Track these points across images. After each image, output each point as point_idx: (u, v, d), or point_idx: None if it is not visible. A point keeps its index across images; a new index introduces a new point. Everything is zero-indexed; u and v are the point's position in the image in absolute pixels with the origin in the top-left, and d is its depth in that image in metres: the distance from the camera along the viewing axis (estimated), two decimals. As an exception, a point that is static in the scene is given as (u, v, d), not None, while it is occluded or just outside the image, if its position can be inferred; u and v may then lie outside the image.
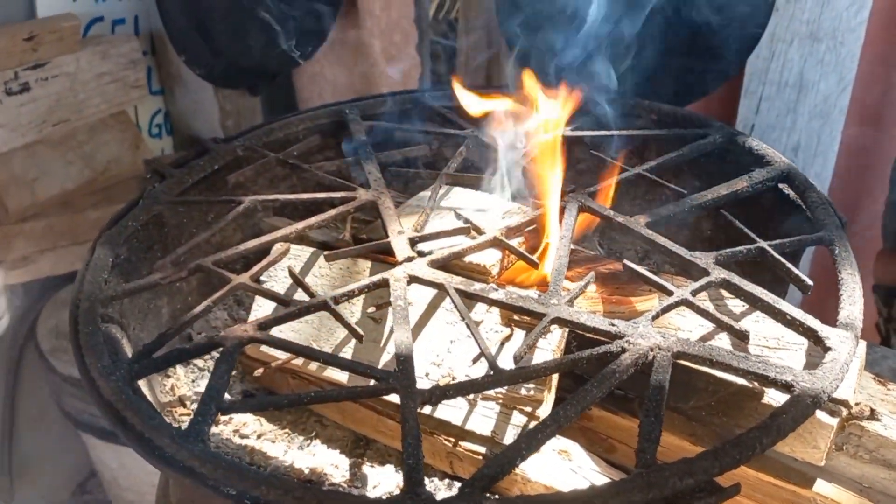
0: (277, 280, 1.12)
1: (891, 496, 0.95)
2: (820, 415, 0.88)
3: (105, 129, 1.89)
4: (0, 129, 1.69)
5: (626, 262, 1.01)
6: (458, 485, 0.97)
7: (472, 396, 0.95)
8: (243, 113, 2.16)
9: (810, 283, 0.98)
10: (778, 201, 1.18)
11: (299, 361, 1.06)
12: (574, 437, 1.00)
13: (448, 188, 1.23)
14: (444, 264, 1.04)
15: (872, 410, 0.96)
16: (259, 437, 1.04)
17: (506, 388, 0.93)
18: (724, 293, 1.03)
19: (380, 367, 1.01)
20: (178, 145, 2.23)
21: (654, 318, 0.92)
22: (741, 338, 0.91)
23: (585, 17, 1.38)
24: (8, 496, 2.09)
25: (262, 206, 1.17)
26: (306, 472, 0.96)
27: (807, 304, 1.23)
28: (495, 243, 1.06)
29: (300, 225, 1.11)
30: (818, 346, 0.90)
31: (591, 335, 0.93)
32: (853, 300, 0.94)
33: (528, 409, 0.95)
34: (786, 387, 0.82)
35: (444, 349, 1.01)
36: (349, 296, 0.99)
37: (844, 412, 0.91)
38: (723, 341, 0.99)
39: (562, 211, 1.12)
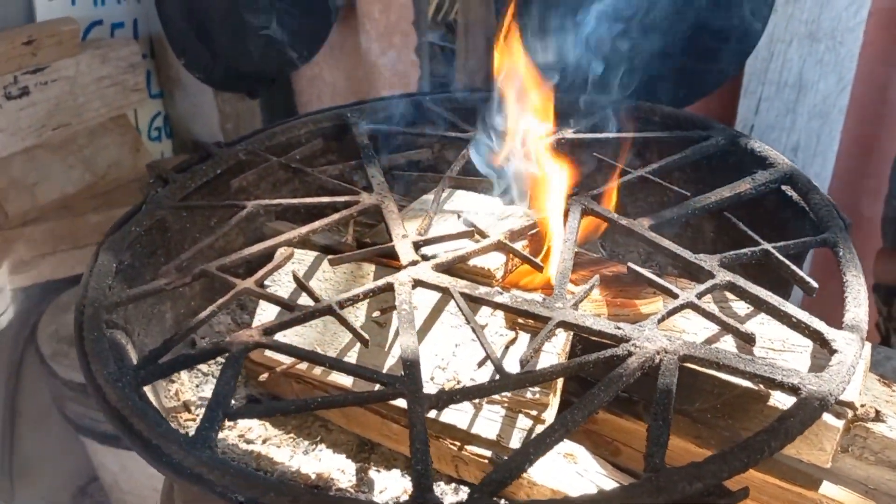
0: (281, 284, 1.12)
1: (896, 498, 0.95)
2: (826, 417, 0.88)
3: (105, 133, 1.89)
4: (0, 133, 1.68)
5: (630, 265, 1.01)
6: (464, 488, 0.97)
7: (477, 400, 0.95)
8: (242, 116, 2.16)
9: (815, 285, 0.98)
10: (781, 203, 1.18)
11: (304, 366, 1.06)
12: (579, 440, 1.00)
13: (451, 191, 1.23)
14: (449, 268, 1.04)
15: (877, 412, 0.96)
16: (264, 441, 1.04)
17: (511, 391, 0.93)
18: (728, 295, 1.04)
19: (385, 371, 1.01)
20: (177, 148, 2.23)
21: (660, 321, 0.92)
22: (747, 340, 0.91)
23: (585, 17, 1.39)
24: (8, 499, 2.09)
25: (265, 210, 1.17)
26: (313, 477, 0.96)
27: (804, 304, 1.23)
28: (499, 247, 1.06)
29: (304, 229, 1.10)
30: (824, 348, 0.90)
31: (596, 338, 0.93)
32: (858, 302, 0.94)
33: (534, 412, 0.95)
34: (793, 389, 0.82)
35: (448, 353, 1.01)
36: (354, 300, 0.99)
37: (850, 414, 0.91)
38: (727, 343, 0.99)
39: (565, 214, 1.12)
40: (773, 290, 0.98)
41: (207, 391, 1.13)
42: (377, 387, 0.97)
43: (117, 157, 1.89)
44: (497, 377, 0.88)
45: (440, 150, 1.39)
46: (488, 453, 0.95)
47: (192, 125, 2.18)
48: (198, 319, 0.97)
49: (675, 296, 0.95)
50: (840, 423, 0.89)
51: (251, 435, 1.05)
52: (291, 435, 1.06)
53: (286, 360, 1.05)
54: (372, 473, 0.98)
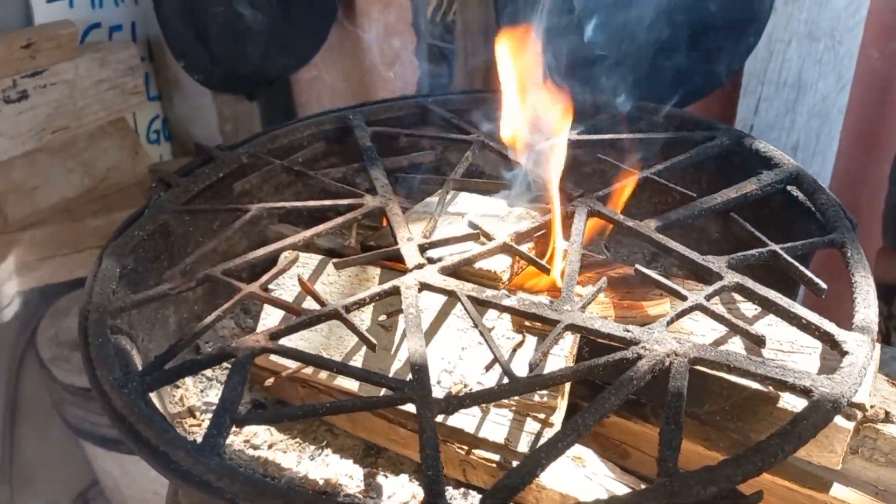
0: (286, 288, 1.12)
1: (907, 499, 0.95)
2: (836, 418, 0.87)
3: (104, 137, 1.88)
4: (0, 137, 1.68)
5: (638, 267, 1.00)
6: (472, 493, 0.97)
7: (485, 404, 0.95)
8: (241, 118, 2.15)
9: (824, 286, 0.97)
10: (786, 203, 1.18)
11: (309, 370, 1.05)
12: (587, 443, 0.99)
13: (454, 193, 1.22)
14: (455, 271, 1.03)
15: (887, 413, 0.96)
16: (270, 447, 1.04)
17: (520, 395, 0.92)
18: (735, 297, 1.03)
19: (391, 374, 1.01)
20: (176, 151, 2.22)
21: (669, 323, 0.92)
22: (757, 343, 0.90)
23: (585, 17, 1.38)
24: (9, 504, 2.09)
25: (269, 213, 1.16)
26: (321, 483, 0.95)
27: (806, 304, 1.23)
28: (505, 249, 1.05)
29: (308, 233, 1.10)
30: (835, 350, 0.89)
31: (605, 341, 0.92)
32: (868, 303, 0.94)
33: (542, 415, 0.95)
34: (805, 392, 0.82)
35: (455, 356, 1.00)
36: (361, 304, 0.98)
37: (859, 415, 0.91)
38: (735, 345, 0.99)
39: (571, 215, 1.11)
40: (778, 291, 0.98)
41: (212, 396, 1.12)
42: (382, 392, 0.97)
43: (117, 161, 1.88)
44: (506, 381, 0.87)
45: (443, 151, 1.39)
46: (496, 457, 0.95)
47: (190, 128, 2.17)
48: (203, 324, 0.97)
49: (684, 298, 0.95)
50: (850, 425, 0.89)
51: (257, 440, 1.04)
52: (297, 440, 1.05)
53: (291, 364, 1.04)
54: (380, 479, 0.97)
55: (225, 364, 1.09)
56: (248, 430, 1.05)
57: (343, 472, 0.97)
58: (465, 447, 0.96)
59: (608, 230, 1.14)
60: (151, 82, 2.10)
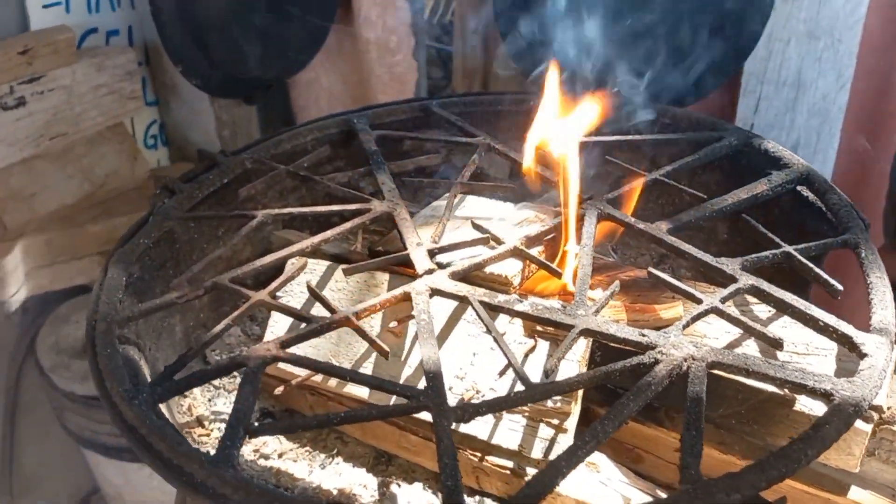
0: (293, 295, 1.10)
1: (924, 501, 0.94)
2: (855, 421, 0.87)
3: (103, 142, 1.87)
4: (-2, 144, 1.66)
5: (651, 269, 0.99)
6: (486, 501, 0.96)
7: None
8: (239, 122, 2.14)
9: (840, 287, 0.97)
10: (797, 204, 1.17)
11: (318, 378, 1.04)
12: (600, 448, 0.98)
13: (461, 197, 1.21)
14: (465, 276, 1.02)
15: (904, 414, 0.95)
16: (280, 456, 1.03)
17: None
18: (749, 299, 1.02)
19: (402, 381, 1.00)
20: (173, 156, 2.20)
21: (685, 326, 0.91)
22: (775, 346, 0.90)
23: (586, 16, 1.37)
24: (9, 513, 2.07)
25: (275, 219, 1.15)
26: (335, 493, 0.94)
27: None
28: (516, 253, 1.04)
29: (316, 239, 1.09)
30: (853, 352, 0.88)
31: (620, 346, 0.91)
32: (885, 304, 0.93)
33: (556, 421, 0.94)
34: (825, 396, 0.81)
35: (466, 362, 0.99)
36: (371, 310, 0.97)
37: (876, 417, 0.90)
38: (749, 348, 0.98)
39: (580, 218, 1.10)
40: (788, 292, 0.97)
41: (220, 405, 1.11)
42: (393, 399, 0.96)
43: (115, 167, 1.87)
44: (521, 387, 0.86)
45: (448, 154, 1.38)
46: (510, 464, 0.94)
47: (188, 132, 2.15)
48: (212, 333, 0.95)
49: (699, 301, 0.94)
50: (868, 428, 0.88)
51: (266, 449, 1.03)
52: (307, 448, 1.04)
53: (301, 372, 1.03)
54: (393, 487, 0.96)
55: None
56: (258, 439, 1.04)
57: (357, 482, 0.96)
58: (479, 454, 0.95)
59: (618, 233, 1.13)
60: (148, 87, 2.09)
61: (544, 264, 1.03)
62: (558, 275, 1.03)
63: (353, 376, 0.90)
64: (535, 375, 0.94)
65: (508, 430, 0.94)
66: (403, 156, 1.33)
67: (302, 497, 0.92)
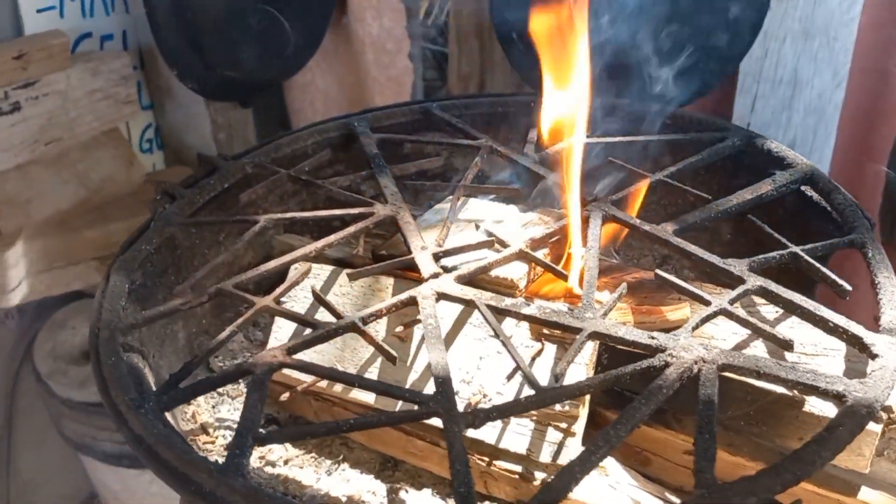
0: (297, 300, 1.10)
1: (934, 501, 0.94)
2: (864, 422, 0.86)
3: (98, 147, 1.85)
4: (-7, 149, 1.65)
5: (658, 271, 0.99)
6: (494, 506, 0.95)
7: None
8: (235, 125, 2.13)
9: (849, 287, 0.96)
10: (801, 204, 1.17)
11: (324, 383, 1.03)
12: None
13: (464, 199, 1.21)
14: (471, 279, 1.02)
15: (913, 415, 0.95)
16: (286, 462, 1.02)
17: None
18: (756, 299, 1.02)
19: (408, 386, 0.99)
20: (169, 160, 2.19)
21: (695, 328, 0.90)
22: (785, 347, 0.89)
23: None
24: (6, 521, 2.06)
25: (277, 224, 1.14)
26: (343, 500, 0.93)
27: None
28: (521, 256, 1.04)
29: (320, 243, 1.08)
30: (863, 353, 0.88)
31: (630, 349, 0.91)
32: (894, 304, 0.93)
33: (564, 425, 0.93)
34: (837, 397, 0.81)
35: (473, 366, 0.99)
36: (378, 315, 0.96)
37: (885, 417, 0.90)
38: (758, 349, 0.98)
39: (585, 220, 1.10)
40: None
41: (224, 412, 1.10)
42: (400, 404, 0.95)
43: (111, 171, 1.85)
44: (530, 391, 0.86)
45: (449, 157, 1.37)
46: (518, 468, 0.93)
47: (183, 136, 2.14)
48: (217, 340, 0.94)
49: (707, 303, 0.93)
50: (879, 428, 0.88)
51: (272, 456, 1.02)
52: (313, 454, 1.04)
53: (306, 378, 1.03)
54: (402, 494, 0.95)
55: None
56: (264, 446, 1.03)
57: (365, 488, 0.95)
58: (486, 458, 0.95)
59: (623, 235, 1.12)
60: (143, 91, 2.07)
61: (550, 267, 1.03)
62: (564, 277, 1.03)
63: (361, 382, 0.90)
64: (543, 379, 0.93)
65: (516, 434, 0.94)
66: (404, 159, 1.32)
67: (311, 505, 0.92)
